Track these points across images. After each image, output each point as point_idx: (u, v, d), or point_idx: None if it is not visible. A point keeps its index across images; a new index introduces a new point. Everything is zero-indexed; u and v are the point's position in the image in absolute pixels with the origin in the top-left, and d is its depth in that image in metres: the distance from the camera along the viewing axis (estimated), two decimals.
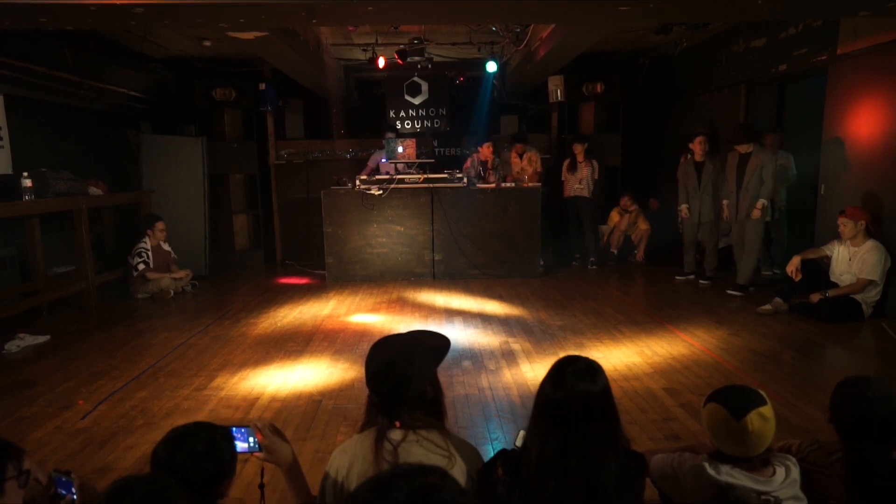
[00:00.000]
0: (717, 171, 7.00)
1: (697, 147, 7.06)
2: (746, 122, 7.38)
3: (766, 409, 1.77)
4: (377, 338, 1.94)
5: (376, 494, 0.94)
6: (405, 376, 1.72)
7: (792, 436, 2.42)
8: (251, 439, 1.82)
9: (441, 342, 1.87)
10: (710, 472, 1.79)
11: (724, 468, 1.79)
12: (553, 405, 1.69)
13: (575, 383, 1.67)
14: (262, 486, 1.96)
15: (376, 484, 0.97)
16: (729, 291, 6.57)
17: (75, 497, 1.76)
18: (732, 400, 1.81)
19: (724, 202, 6.71)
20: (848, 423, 1.94)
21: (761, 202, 6.25)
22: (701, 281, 7.12)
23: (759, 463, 1.80)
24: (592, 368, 1.73)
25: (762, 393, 1.82)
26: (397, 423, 1.75)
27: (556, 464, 1.63)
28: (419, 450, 1.71)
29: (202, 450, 1.59)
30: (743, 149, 6.39)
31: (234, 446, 1.73)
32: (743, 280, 6.53)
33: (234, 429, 1.80)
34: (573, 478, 1.62)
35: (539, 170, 8.45)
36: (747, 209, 6.35)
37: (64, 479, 1.77)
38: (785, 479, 1.79)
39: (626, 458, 1.73)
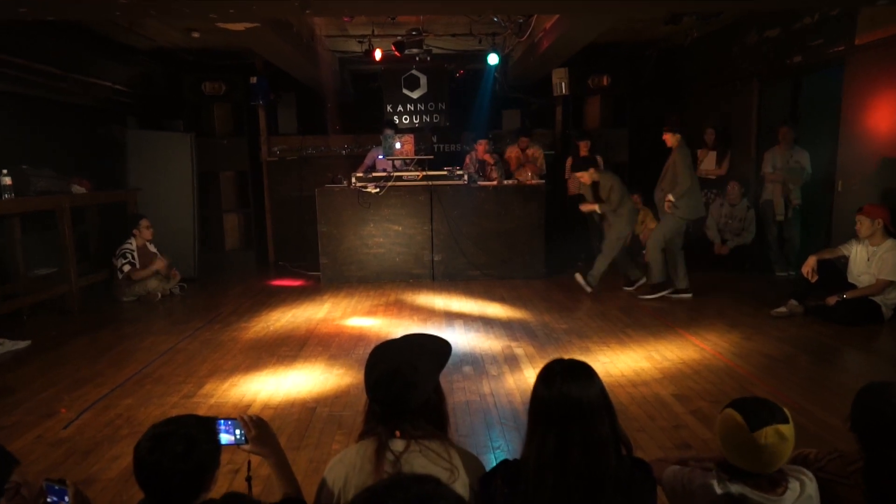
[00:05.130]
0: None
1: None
2: (675, 113, 7.36)
3: (786, 428, 1.71)
4: (374, 342, 1.92)
5: None
6: (410, 384, 1.70)
7: (808, 444, 2.36)
8: (237, 431, 1.85)
9: (443, 347, 1.86)
10: (719, 490, 1.76)
11: (734, 486, 1.75)
12: (546, 407, 1.68)
13: (565, 384, 1.67)
14: (249, 479, 2.00)
15: (371, 494, 0.99)
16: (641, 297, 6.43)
17: None
18: (752, 410, 1.76)
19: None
20: (872, 432, 1.90)
21: (669, 197, 6.20)
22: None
23: (767, 483, 1.75)
24: (582, 368, 1.72)
25: (787, 412, 1.76)
26: (398, 433, 1.71)
27: (552, 469, 1.61)
28: (422, 461, 1.68)
29: (181, 450, 1.59)
30: (668, 140, 6.29)
31: (217, 441, 1.75)
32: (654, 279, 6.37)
33: (220, 421, 1.83)
34: (570, 481, 1.61)
35: (542, 166, 8.39)
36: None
37: (57, 486, 1.75)
38: (798, 496, 1.74)
39: (631, 466, 1.70)
